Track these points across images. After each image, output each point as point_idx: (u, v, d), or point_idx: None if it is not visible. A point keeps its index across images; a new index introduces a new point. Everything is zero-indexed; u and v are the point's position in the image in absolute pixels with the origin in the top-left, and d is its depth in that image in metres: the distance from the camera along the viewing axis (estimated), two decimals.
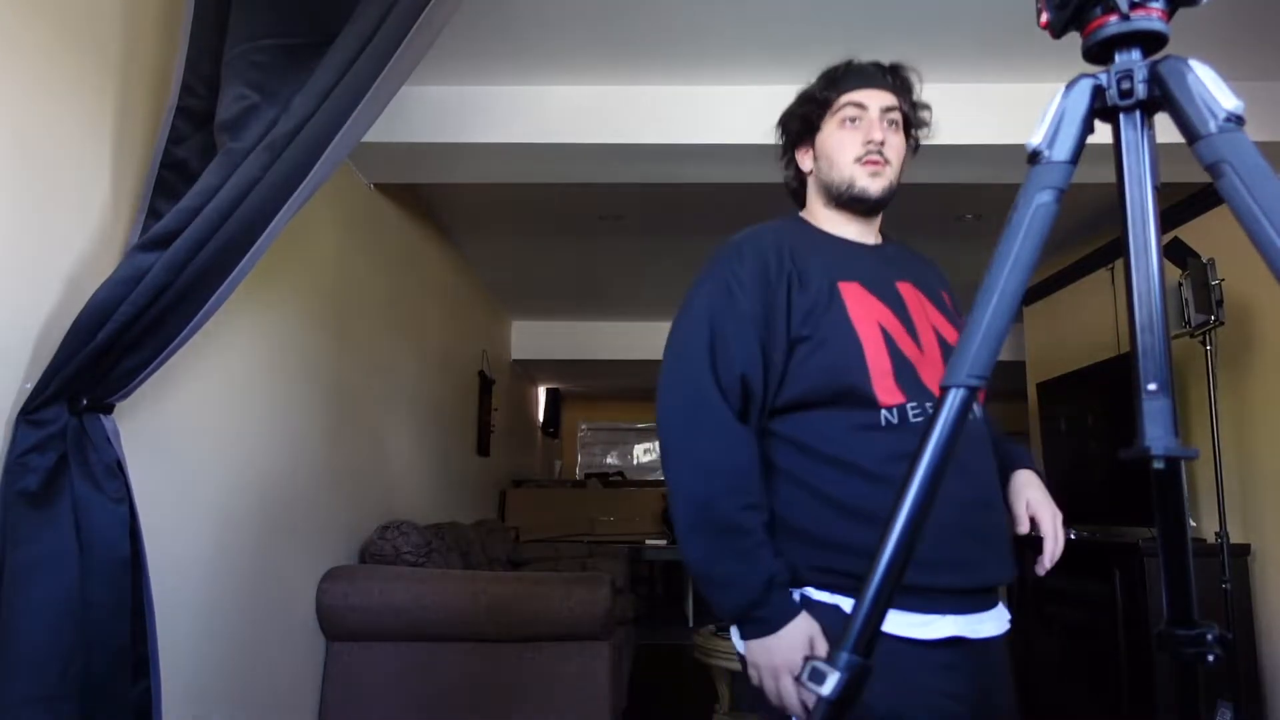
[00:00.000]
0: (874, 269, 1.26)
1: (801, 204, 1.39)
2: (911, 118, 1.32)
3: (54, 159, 1.49)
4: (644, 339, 6.74)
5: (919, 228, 3.92)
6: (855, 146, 1.27)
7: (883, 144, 1.27)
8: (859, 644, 0.67)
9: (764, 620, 1.08)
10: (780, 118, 1.38)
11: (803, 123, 1.33)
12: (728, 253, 1.26)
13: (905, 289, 1.25)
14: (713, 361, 1.17)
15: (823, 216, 1.34)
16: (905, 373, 1.16)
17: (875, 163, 1.26)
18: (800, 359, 1.18)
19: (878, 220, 1.35)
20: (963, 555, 1.11)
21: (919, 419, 1.14)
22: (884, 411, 1.14)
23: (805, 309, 1.18)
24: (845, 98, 1.28)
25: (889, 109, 1.28)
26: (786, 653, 1.06)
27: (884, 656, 0.98)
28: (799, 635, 1.07)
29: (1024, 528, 1.24)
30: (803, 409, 1.18)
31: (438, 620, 2.65)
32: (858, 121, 1.28)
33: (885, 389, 1.15)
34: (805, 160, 1.35)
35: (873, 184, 1.27)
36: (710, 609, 5.90)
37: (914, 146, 1.35)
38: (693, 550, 1.13)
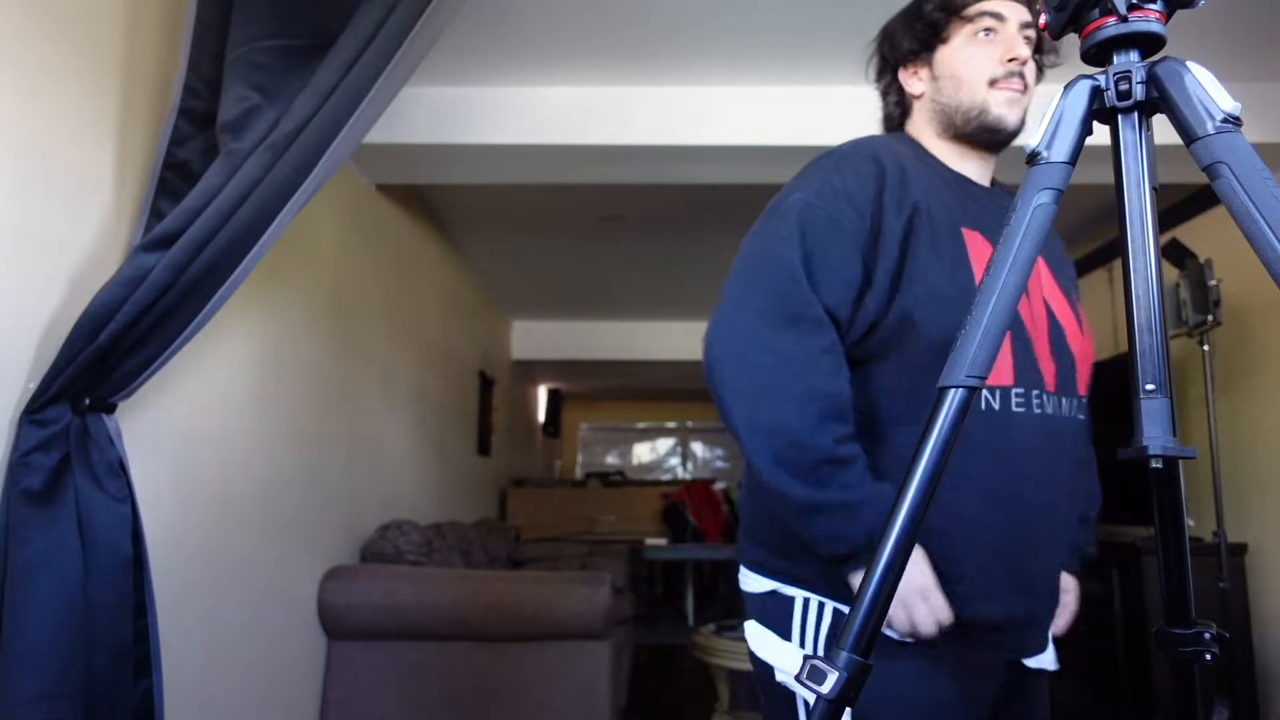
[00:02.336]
0: (990, 216, 1.06)
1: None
2: (1044, 39, 1.11)
3: (56, 160, 1.49)
4: (644, 339, 6.75)
5: None
6: (991, 65, 1.06)
7: (1025, 64, 1.06)
8: (859, 644, 0.67)
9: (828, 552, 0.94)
10: (883, 30, 1.16)
11: (923, 32, 1.10)
12: (833, 159, 1.05)
13: None
14: (809, 275, 0.97)
15: (936, 149, 1.12)
16: (1021, 349, 0.98)
17: (1015, 87, 1.05)
18: (905, 303, 0.97)
19: (994, 159, 1.14)
20: (1001, 603, 0.96)
21: (1021, 409, 0.97)
22: (985, 393, 0.95)
23: (926, 243, 0.98)
24: (981, 5, 1.07)
25: (1026, 25, 1.07)
26: (913, 579, 0.92)
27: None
28: (917, 564, 0.93)
29: None
30: (876, 362, 1.00)
31: (438, 620, 2.66)
32: (994, 35, 1.07)
33: (1005, 362, 0.96)
34: (915, 81, 1.13)
35: (1010, 113, 1.06)
36: (710, 608, 5.88)
37: (1039, 76, 1.13)
38: (783, 489, 0.93)
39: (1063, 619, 1.10)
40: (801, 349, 0.94)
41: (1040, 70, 1.13)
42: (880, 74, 1.18)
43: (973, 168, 1.12)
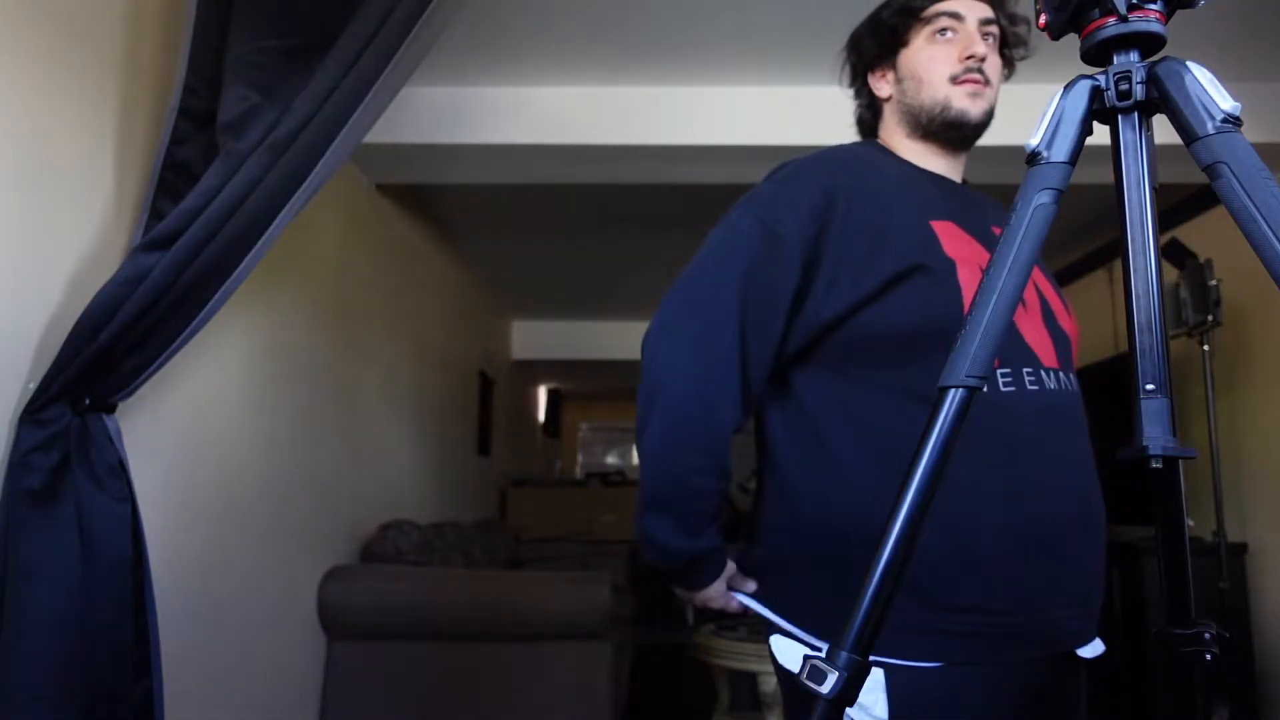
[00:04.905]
0: (966, 209, 1.08)
1: (872, 137, 1.22)
2: (1009, 34, 1.13)
3: (56, 159, 1.49)
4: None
5: None
6: (950, 63, 1.08)
7: (983, 60, 1.08)
8: (859, 643, 0.67)
9: (685, 584, 1.06)
10: (851, 37, 1.20)
11: (885, 37, 1.14)
12: (786, 172, 1.08)
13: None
14: (745, 308, 0.99)
15: (905, 149, 1.15)
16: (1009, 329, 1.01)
17: (975, 81, 1.07)
18: (877, 312, 0.99)
19: (964, 157, 1.17)
20: (1019, 597, 0.93)
21: (1011, 389, 0.96)
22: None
23: (895, 254, 0.99)
24: (938, 6, 1.10)
25: (987, 22, 1.10)
26: (704, 598, 1.08)
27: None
28: (718, 588, 1.07)
29: None
30: (846, 363, 1.01)
31: (438, 620, 2.66)
32: (952, 34, 1.09)
33: None
34: (883, 85, 1.16)
35: (973, 105, 1.08)
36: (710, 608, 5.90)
37: (1009, 71, 1.15)
38: (645, 490, 1.01)
39: None
40: (705, 384, 0.99)
41: (1010, 65, 1.16)
42: (852, 79, 1.21)
43: (941, 165, 1.14)
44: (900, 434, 0.94)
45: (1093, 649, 1.01)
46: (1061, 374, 1.02)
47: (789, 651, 1.02)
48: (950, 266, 0.98)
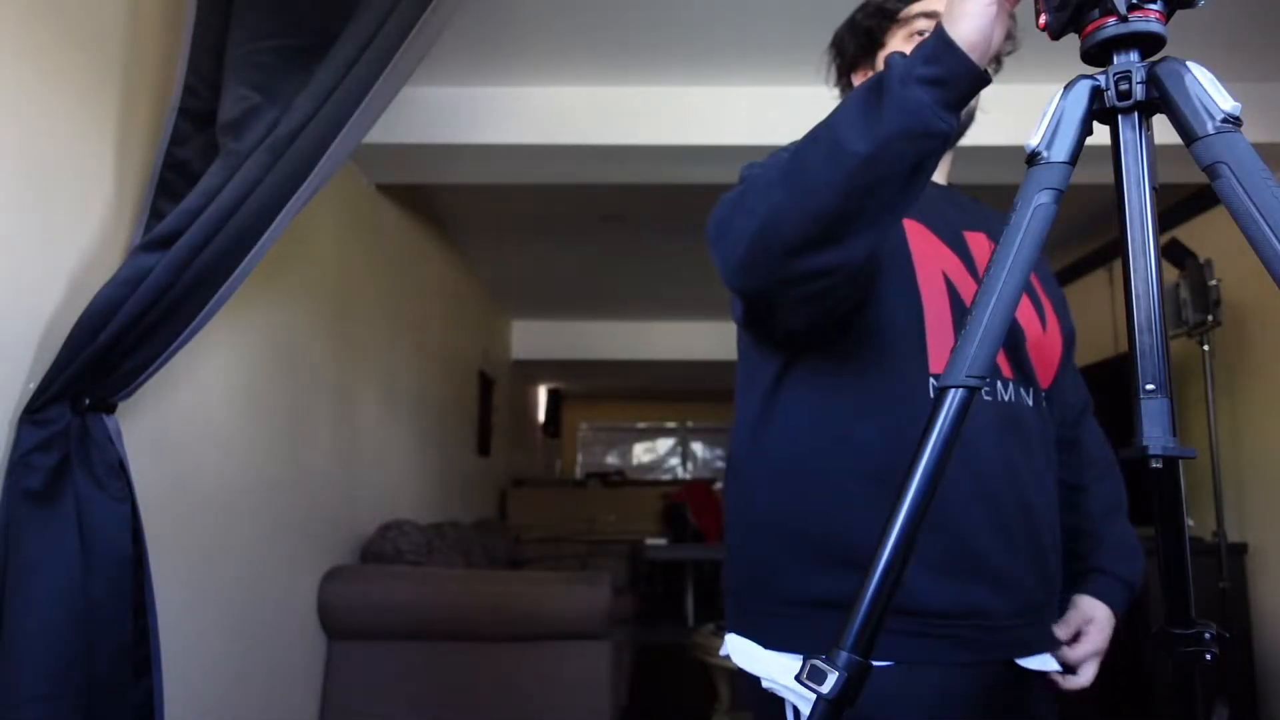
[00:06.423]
0: (941, 211, 1.07)
1: None
2: None
3: (56, 159, 1.49)
4: (644, 339, 6.75)
5: None
6: None
7: None
8: (859, 643, 0.67)
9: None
10: (834, 37, 1.19)
11: (863, 38, 1.12)
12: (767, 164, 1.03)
13: (976, 240, 1.06)
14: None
15: None
16: None
17: None
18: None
19: (949, 158, 1.16)
20: (965, 593, 0.93)
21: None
22: (933, 380, 0.95)
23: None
24: (914, 6, 1.07)
25: None
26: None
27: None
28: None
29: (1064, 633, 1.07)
30: (817, 358, 1.00)
31: (438, 620, 2.66)
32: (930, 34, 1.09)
33: (941, 350, 0.96)
34: None
35: None
36: (710, 608, 5.86)
37: (996, 66, 1.10)
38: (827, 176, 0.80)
39: (1079, 649, 1.08)
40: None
41: (997, 60, 1.11)
42: (837, 79, 1.20)
43: None
44: (855, 443, 0.95)
45: (1039, 662, 1.00)
46: (1015, 385, 1.01)
47: (745, 652, 1.00)
48: (909, 263, 0.98)
